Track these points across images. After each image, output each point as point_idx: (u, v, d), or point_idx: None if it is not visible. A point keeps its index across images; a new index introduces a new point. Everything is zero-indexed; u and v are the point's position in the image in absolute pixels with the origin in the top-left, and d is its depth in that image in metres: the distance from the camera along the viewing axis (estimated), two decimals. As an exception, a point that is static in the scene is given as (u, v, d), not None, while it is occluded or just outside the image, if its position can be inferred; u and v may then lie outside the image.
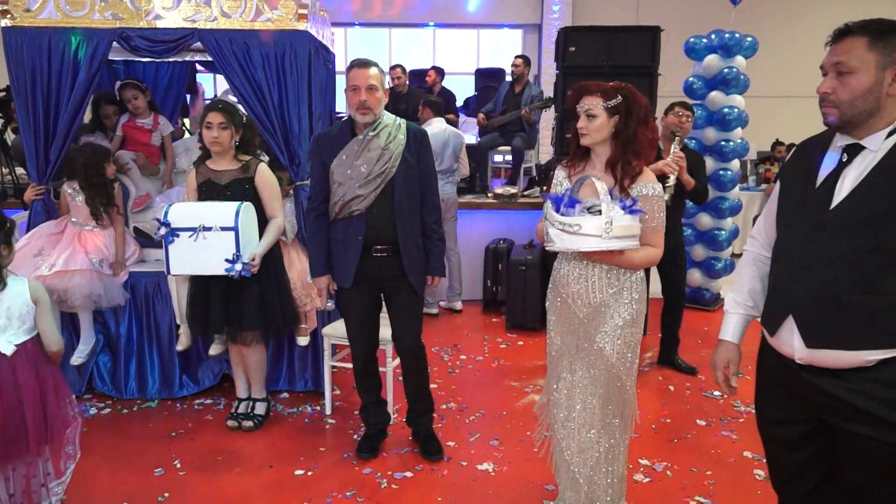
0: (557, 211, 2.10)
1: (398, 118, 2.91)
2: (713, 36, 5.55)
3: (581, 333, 2.28)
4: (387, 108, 2.93)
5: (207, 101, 5.04)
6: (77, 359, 3.62)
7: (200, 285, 3.21)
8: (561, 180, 2.36)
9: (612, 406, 2.28)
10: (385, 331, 3.15)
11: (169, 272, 3.16)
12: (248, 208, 3.08)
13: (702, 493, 2.82)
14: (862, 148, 1.60)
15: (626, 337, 2.25)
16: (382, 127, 2.83)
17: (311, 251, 3.01)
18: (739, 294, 1.94)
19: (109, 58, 3.73)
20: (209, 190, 3.19)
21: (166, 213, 3.08)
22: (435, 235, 2.95)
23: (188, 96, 5.32)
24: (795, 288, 1.66)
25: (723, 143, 5.47)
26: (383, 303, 3.05)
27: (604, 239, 2.02)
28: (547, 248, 2.16)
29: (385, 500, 2.77)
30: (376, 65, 2.83)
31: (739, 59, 5.51)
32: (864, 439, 1.59)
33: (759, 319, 1.88)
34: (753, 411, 3.66)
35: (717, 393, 3.86)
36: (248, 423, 3.36)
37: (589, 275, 2.24)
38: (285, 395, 3.80)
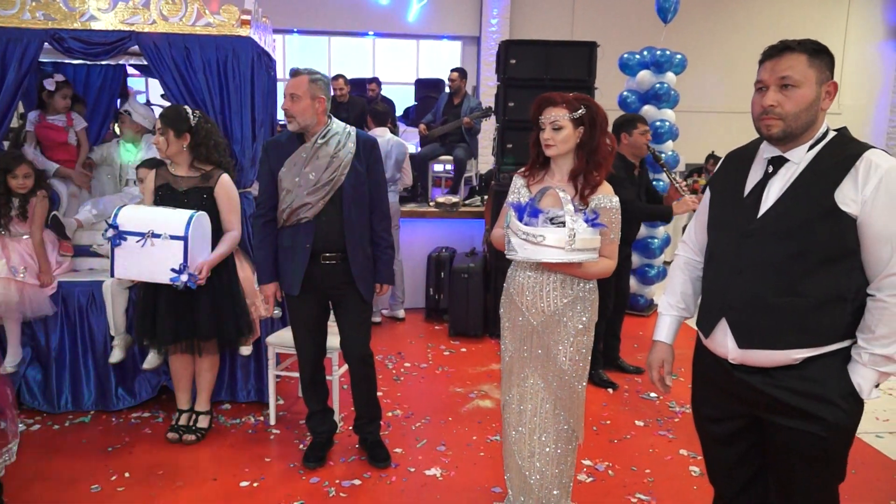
0: (520, 220, 2.10)
1: (348, 126, 2.91)
2: (645, 52, 5.80)
3: (535, 341, 2.32)
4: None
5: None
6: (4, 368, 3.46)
7: (149, 293, 3.12)
8: (519, 188, 2.39)
9: (563, 412, 2.34)
10: (332, 339, 3.14)
11: (112, 275, 3.07)
12: (201, 218, 3.01)
13: (642, 490, 2.93)
14: (786, 160, 1.72)
15: (579, 345, 2.31)
16: (332, 135, 2.84)
17: (258, 258, 2.98)
18: (672, 297, 2.03)
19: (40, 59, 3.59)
20: (166, 195, 3.12)
21: (116, 215, 2.99)
22: (384, 243, 2.97)
23: (118, 100, 5.17)
24: (728, 292, 1.77)
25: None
26: (331, 311, 3.04)
27: (566, 251, 2.03)
28: (507, 257, 2.18)
29: (333, 509, 2.76)
30: (308, 73, 2.80)
31: (670, 76, 5.78)
32: (793, 432, 1.70)
33: (690, 321, 1.99)
34: (688, 411, 3.84)
35: (653, 395, 4.01)
36: (190, 437, 3.28)
37: (543, 284, 2.28)
38: (227, 406, 3.72)
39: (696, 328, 1.92)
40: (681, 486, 2.98)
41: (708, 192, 1.95)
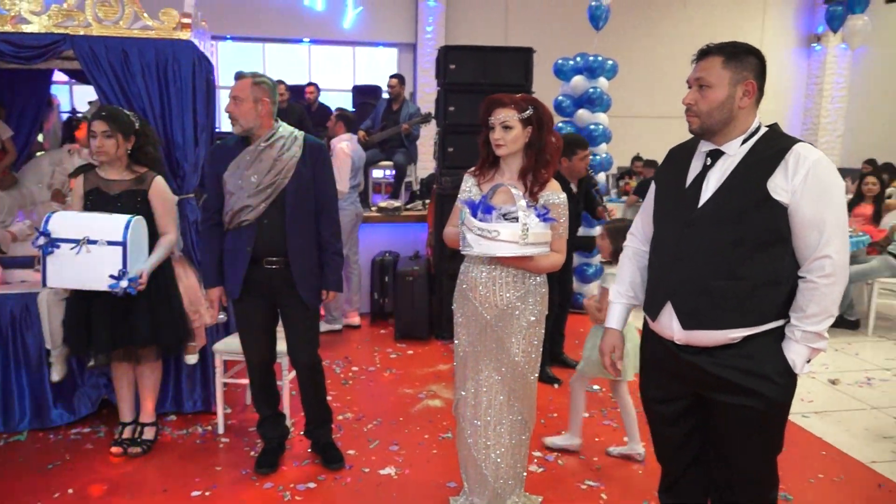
0: (475, 216, 2.16)
1: (296, 131, 2.91)
2: (578, 58, 6.00)
3: (488, 334, 2.38)
4: None
5: (63, 115, 4.75)
6: None
7: (80, 301, 3.01)
8: (470, 187, 2.45)
9: (517, 403, 2.41)
10: (282, 343, 3.12)
11: (45, 284, 2.95)
12: (138, 222, 2.94)
13: (591, 477, 3.04)
14: (722, 153, 1.85)
15: (531, 337, 2.39)
16: (277, 138, 2.83)
17: (203, 261, 2.95)
18: (622, 286, 2.14)
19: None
20: (97, 199, 3.02)
21: (47, 222, 2.88)
22: (331, 249, 2.94)
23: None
24: (672, 277, 1.88)
25: (590, 157, 5.90)
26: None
27: (520, 245, 2.10)
28: (463, 252, 2.24)
29: (290, 513, 2.74)
30: (252, 76, 2.81)
31: (602, 81, 5.99)
32: (734, 408, 1.83)
33: (641, 308, 2.10)
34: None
35: (596, 387, 4.14)
36: (135, 450, 3.18)
37: (496, 279, 2.35)
38: (173, 417, 3.63)
39: (643, 313, 2.02)
40: (627, 471, 3.10)
41: (653, 185, 2.06)
